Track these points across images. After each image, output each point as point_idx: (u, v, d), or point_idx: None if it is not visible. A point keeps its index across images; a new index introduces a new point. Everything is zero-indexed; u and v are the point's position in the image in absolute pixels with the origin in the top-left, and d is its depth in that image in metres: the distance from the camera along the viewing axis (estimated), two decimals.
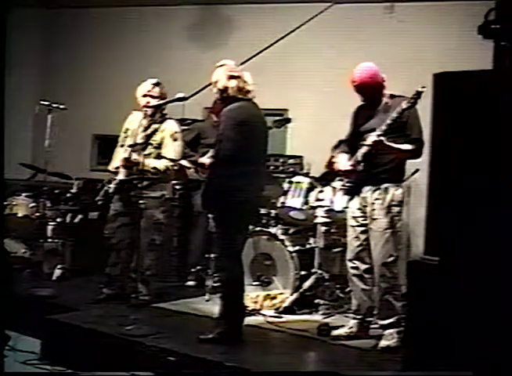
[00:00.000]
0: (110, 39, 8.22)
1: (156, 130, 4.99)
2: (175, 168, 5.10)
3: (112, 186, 5.05)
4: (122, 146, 5.16)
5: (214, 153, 4.19)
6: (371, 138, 4.11)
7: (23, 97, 7.72)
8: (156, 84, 5.08)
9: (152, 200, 4.94)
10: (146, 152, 5.03)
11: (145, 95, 5.09)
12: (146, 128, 5.06)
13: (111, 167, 5.20)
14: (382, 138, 4.07)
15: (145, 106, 5.08)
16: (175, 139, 5.09)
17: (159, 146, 4.99)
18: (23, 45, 7.98)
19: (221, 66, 4.28)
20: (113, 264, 5.19)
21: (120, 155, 5.10)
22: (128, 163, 4.97)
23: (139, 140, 5.04)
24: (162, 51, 7.95)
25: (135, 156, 4.97)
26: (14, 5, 7.10)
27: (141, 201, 4.97)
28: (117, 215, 5.17)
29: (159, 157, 5.00)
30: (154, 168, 4.93)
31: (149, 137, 5.02)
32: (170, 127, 5.07)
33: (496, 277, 2.86)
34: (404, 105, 4.03)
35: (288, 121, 6.16)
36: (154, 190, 4.94)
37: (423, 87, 3.87)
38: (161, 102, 4.63)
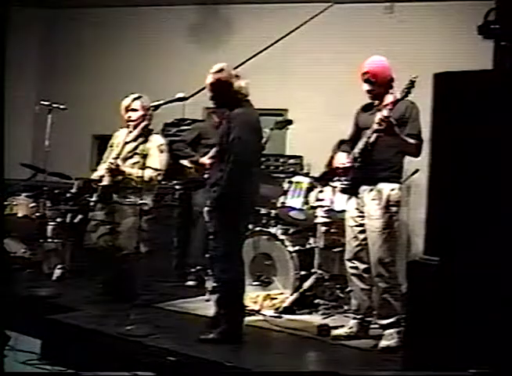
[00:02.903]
0: (110, 39, 8.23)
1: (143, 141, 5.04)
2: (159, 177, 5.17)
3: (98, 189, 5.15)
4: (106, 162, 5.22)
5: (229, 157, 4.11)
6: (378, 115, 4.02)
7: (23, 97, 7.72)
8: (137, 98, 5.20)
9: (135, 208, 4.92)
10: (133, 161, 5.11)
11: (127, 110, 5.21)
12: (132, 140, 5.16)
13: (94, 175, 5.24)
14: (389, 114, 3.99)
15: (128, 121, 5.20)
16: (161, 151, 5.19)
17: (145, 156, 5.01)
18: (23, 45, 7.99)
19: (220, 70, 4.24)
20: (104, 270, 5.22)
21: (104, 167, 5.17)
22: (114, 171, 5.03)
23: (125, 150, 5.14)
24: (162, 51, 7.97)
25: (120, 164, 5.05)
26: (14, 5, 7.11)
27: (122, 209, 5.01)
28: (98, 224, 5.19)
29: (144, 167, 5.02)
30: (139, 176, 4.95)
31: (135, 147, 5.11)
32: (156, 140, 5.19)
33: (496, 277, 2.86)
34: (398, 95, 4.04)
35: (290, 122, 6.16)
36: (137, 198, 4.93)
37: (416, 76, 3.88)
38: (161, 102, 4.63)
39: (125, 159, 5.13)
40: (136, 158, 5.10)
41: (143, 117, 5.14)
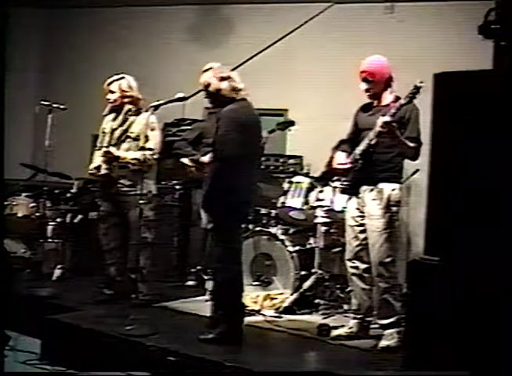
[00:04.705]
0: (110, 39, 8.22)
1: (132, 123, 5.07)
2: (155, 156, 5.13)
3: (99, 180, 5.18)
4: (100, 148, 5.22)
5: (215, 155, 4.18)
6: (382, 119, 4.02)
7: (23, 97, 7.72)
8: (116, 80, 5.20)
9: (139, 198, 4.93)
10: (126, 146, 5.09)
11: (106, 92, 5.22)
12: (122, 123, 5.15)
13: (91, 167, 5.22)
14: (391, 119, 4.01)
15: (108, 102, 5.22)
16: (152, 129, 5.12)
17: (137, 139, 5.04)
18: (23, 44, 7.99)
19: (207, 69, 4.28)
20: (109, 264, 5.22)
21: (98, 157, 5.17)
22: (108, 157, 5.02)
23: (116, 136, 5.13)
24: (162, 51, 7.96)
25: (114, 150, 5.04)
26: (14, 5, 7.11)
27: (128, 200, 5.01)
28: (106, 215, 5.22)
29: (138, 149, 5.03)
30: (134, 158, 4.98)
31: (126, 130, 5.10)
32: (146, 119, 5.09)
33: (496, 277, 2.86)
34: (402, 100, 4.03)
35: (292, 123, 6.13)
36: (140, 188, 4.94)
37: (421, 82, 3.86)
38: (161, 102, 4.64)
39: (118, 144, 5.10)
40: (128, 142, 5.09)
41: (121, 99, 5.15)
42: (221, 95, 4.22)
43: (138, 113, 5.12)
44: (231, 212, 4.14)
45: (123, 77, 5.22)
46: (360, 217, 4.32)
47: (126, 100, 5.16)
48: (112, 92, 5.18)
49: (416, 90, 3.94)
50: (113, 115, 5.25)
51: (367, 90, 4.29)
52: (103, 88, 5.23)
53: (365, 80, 4.26)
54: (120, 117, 5.17)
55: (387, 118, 4.01)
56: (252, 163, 4.27)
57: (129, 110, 5.10)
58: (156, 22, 8.02)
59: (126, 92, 5.16)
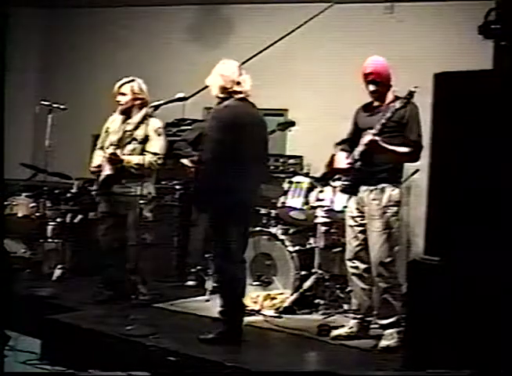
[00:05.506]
0: (110, 39, 8.22)
1: (139, 126, 5.06)
2: (159, 162, 5.12)
3: (99, 180, 5.13)
4: (102, 147, 5.22)
5: (200, 154, 4.18)
6: (367, 137, 4.11)
7: (24, 97, 7.72)
8: (127, 82, 5.19)
9: (138, 199, 4.92)
10: (130, 147, 5.08)
11: (116, 94, 5.20)
12: (129, 125, 5.14)
13: (92, 167, 5.21)
14: (377, 138, 4.07)
15: (118, 104, 5.21)
16: (159, 134, 5.14)
17: (143, 142, 5.04)
18: (23, 44, 7.99)
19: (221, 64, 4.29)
20: (108, 265, 5.21)
21: (99, 156, 5.16)
22: (113, 159, 4.99)
23: (122, 136, 5.12)
24: (162, 51, 7.96)
25: (119, 152, 5.03)
26: (14, 5, 7.11)
27: (127, 201, 5.00)
28: (104, 216, 5.22)
29: (143, 152, 5.03)
30: (138, 164, 4.96)
31: (132, 133, 5.09)
32: (153, 123, 5.12)
33: (496, 277, 2.86)
34: (397, 105, 4.05)
35: (292, 124, 6.12)
36: (141, 189, 4.93)
37: (416, 87, 3.91)
38: (161, 102, 4.65)
39: (123, 146, 5.09)
40: (134, 144, 5.08)
41: (132, 102, 5.15)
42: (213, 92, 4.23)
43: (145, 117, 5.10)
44: (218, 211, 4.12)
45: (133, 80, 5.21)
46: (360, 217, 4.32)
47: (137, 102, 5.16)
48: (123, 94, 5.17)
49: (410, 96, 3.99)
50: (121, 117, 5.23)
51: (374, 92, 4.28)
52: (113, 90, 5.20)
53: (372, 82, 4.25)
54: (134, 121, 5.12)
55: (370, 137, 4.05)
56: (247, 163, 4.10)
57: (149, 115, 5.07)
58: (156, 22, 8.02)
59: (138, 94, 5.16)
